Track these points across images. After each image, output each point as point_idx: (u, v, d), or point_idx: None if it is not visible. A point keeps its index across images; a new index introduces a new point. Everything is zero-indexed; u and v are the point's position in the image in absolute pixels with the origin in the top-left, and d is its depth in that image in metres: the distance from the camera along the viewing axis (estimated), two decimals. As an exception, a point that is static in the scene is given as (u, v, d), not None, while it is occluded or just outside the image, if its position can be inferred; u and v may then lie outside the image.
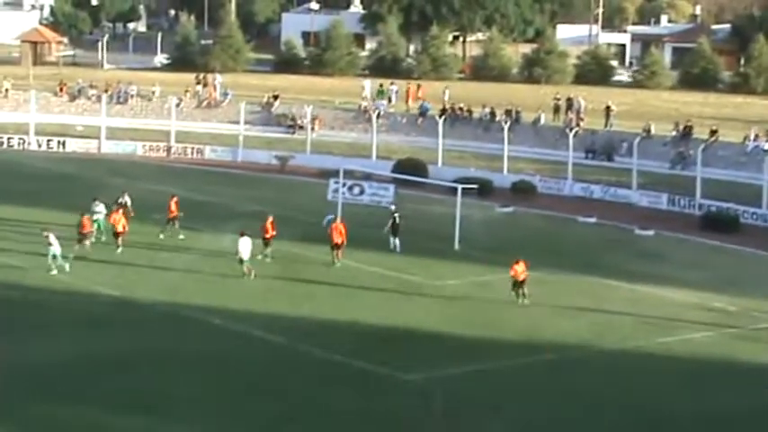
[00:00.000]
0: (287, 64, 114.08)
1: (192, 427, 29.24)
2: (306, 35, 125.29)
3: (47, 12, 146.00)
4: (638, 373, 34.49)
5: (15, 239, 46.73)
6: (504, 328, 38.14)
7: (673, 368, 35.03)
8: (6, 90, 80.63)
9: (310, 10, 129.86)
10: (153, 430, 29.21)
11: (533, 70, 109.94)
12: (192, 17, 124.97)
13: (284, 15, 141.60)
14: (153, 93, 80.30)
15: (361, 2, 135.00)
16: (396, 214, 48.46)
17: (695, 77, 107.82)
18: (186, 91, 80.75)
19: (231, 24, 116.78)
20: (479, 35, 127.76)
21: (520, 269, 40.37)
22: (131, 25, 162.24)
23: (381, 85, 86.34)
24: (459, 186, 50.67)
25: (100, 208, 47.76)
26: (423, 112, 75.75)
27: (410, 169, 62.18)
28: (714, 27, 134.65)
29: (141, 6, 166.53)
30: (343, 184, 52.76)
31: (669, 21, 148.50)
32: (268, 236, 45.39)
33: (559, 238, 52.91)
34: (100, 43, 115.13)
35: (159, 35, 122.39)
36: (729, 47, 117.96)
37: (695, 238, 53.93)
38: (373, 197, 52.92)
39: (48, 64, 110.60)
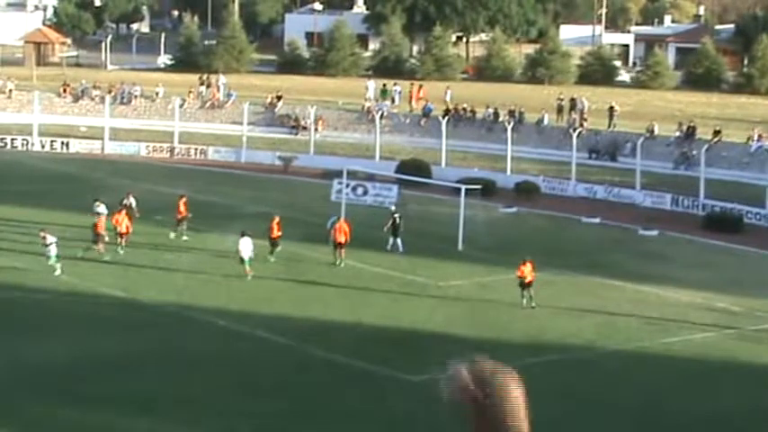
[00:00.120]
0: (290, 64, 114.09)
1: (196, 428, 29.29)
2: (309, 36, 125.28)
3: (50, 12, 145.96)
4: (642, 373, 34.51)
5: (20, 240, 46.75)
6: (508, 329, 38.16)
7: (676, 368, 35.05)
8: (10, 91, 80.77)
9: (313, 10, 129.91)
10: (156, 431, 29.24)
11: (537, 71, 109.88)
12: (196, 18, 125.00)
13: (287, 16, 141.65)
14: (156, 93, 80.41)
15: (365, 2, 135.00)
16: (395, 214, 48.50)
17: (699, 78, 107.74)
18: (190, 92, 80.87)
19: (234, 25, 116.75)
20: (482, 35, 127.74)
21: (527, 270, 40.26)
22: (135, 26, 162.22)
23: (385, 86, 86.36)
24: (463, 187, 50.68)
25: (101, 209, 47.77)
26: (426, 113, 75.82)
27: (413, 170, 62.17)
28: (718, 27, 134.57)
29: (144, 7, 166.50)
30: (347, 185, 52.81)
31: (672, 21, 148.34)
32: (274, 236, 45.42)
33: (563, 239, 52.91)
34: (103, 44, 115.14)
35: (162, 36, 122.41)
36: (733, 47, 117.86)
37: (699, 238, 53.92)
38: (377, 198, 52.99)
39: (51, 65, 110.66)
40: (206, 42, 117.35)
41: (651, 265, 47.65)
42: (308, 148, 71.63)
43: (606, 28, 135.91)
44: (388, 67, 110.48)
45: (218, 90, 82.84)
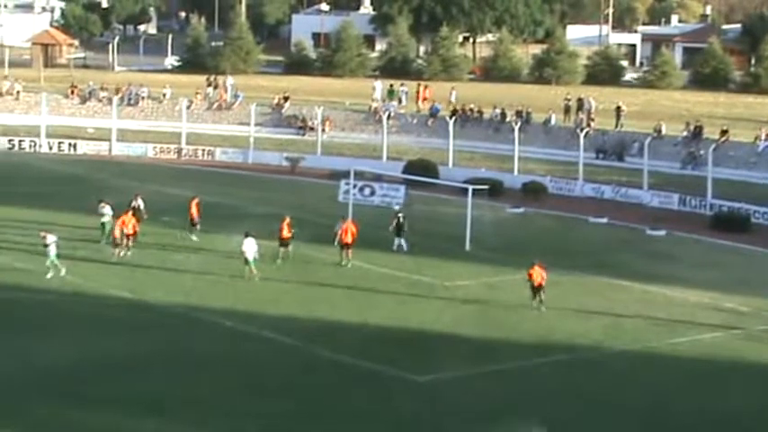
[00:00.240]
0: (297, 65, 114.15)
1: (203, 429, 29.26)
2: (316, 36, 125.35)
3: (57, 14, 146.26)
4: (650, 373, 34.45)
5: (26, 242, 46.73)
6: (515, 329, 38.12)
7: (684, 369, 34.98)
8: (18, 92, 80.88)
9: (320, 11, 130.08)
10: (164, 432, 29.28)
11: (544, 71, 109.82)
12: (203, 19, 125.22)
13: (294, 17, 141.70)
14: (164, 95, 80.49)
15: (372, 3, 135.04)
16: (400, 214, 48.51)
17: (706, 77, 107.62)
18: (197, 93, 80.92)
19: (241, 26, 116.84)
20: (489, 36, 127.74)
21: (536, 273, 40.09)
22: (142, 27, 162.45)
23: (391, 86, 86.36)
24: (470, 187, 50.68)
25: (106, 210, 47.79)
26: (433, 113, 75.82)
27: (421, 170, 62.16)
28: (725, 27, 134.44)
29: (152, 8, 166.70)
30: (354, 186, 52.81)
31: (679, 21, 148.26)
32: (284, 237, 45.36)
33: (570, 239, 52.87)
34: (110, 45, 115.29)
35: (170, 37, 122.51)
36: (740, 47, 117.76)
37: (706, 238, 53.85)
38: (384, 198, 52.98)
39: (59, 66, 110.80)
40: (213, 44, 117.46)
41: (659, 266, 47.60)
42: (315, 148, 71.65)
43: (613, 28, 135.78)
44: (394, 68, 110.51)
45: (226, 91, 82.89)
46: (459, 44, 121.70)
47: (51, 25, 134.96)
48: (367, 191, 53.29)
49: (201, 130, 75.94)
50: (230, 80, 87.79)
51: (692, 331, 38.60)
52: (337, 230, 45.86)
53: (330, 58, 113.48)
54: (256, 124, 74.81)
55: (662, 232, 54.39)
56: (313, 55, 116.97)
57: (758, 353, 36.56)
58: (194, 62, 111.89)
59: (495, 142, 71.40)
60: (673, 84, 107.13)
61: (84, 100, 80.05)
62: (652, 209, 59.53)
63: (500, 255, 47.33)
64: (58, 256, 42.10)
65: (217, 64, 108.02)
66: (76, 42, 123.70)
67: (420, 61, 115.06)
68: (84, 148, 73.67)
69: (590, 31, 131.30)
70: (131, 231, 46.00)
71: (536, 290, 40.04)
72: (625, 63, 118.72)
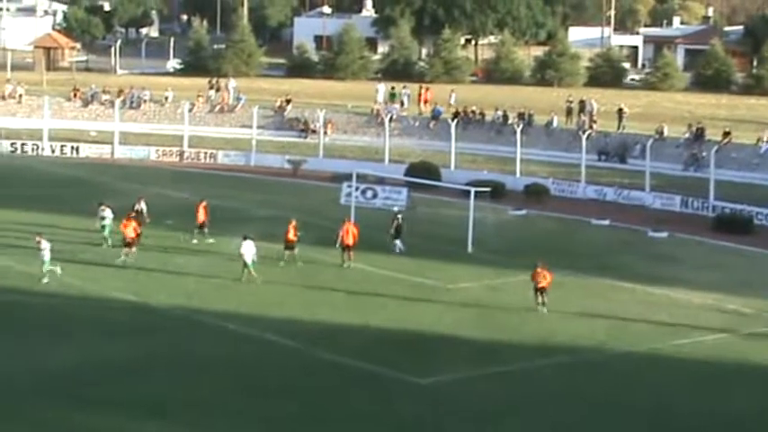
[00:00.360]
0: (299, 68, 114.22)
1: (206, 432, 29.30)
2: (318, 39, 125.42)
3: (60, 17, 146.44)
4: (653, 375, 34.42)
5: (28, 245, 46.65)
6: (517, 331, 38.09)
7: (687, 370, 34.96)
8: (20, 96, 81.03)
9: (322, 14, 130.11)
10: (166, 434, 29.28)
11: (545, 73, 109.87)
12: (205, 22, 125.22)
13: (296, 19, 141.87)
14: (166, 98, 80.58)
15: (374, 5, 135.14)
16: (399, 215, 48.51)
17: (708, 79, 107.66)
18: (199, 96, 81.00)
19: (243, 29, 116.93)
20: (491, 38, 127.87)
21: (540, 276, 40.06)
22: (144, 30, 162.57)
23: (393, 89, 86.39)
24: (472, 189, 50.63)
25: (107, 213, 47.78)
26: (435, 116, 75.85)
27: (423, 173, 62.15)
28: (726, 29, 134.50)
29: (154, 12, 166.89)
30: (356, 188, 52.81)
31: (681, 22, 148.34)
32: (290, 240, 45.31)
33: (573, 241, 52.85)
34: (113, 48, 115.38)
35: (172, 40, 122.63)
36: (742, 48, 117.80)
37: (709, 239, 53.82)
38: (386, 201, 53.00)
39: (61, 69, 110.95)
40: (215, 46, 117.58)
41: (661, 267, 47.58)
42: (317, 151, 71.68)
43: (615, 30, 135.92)
44: (397, 71, 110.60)
45: (228, 94, 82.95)
46: (462, 46, 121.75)
47: (54, 29, 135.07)
48: (369, 193, 53.32)
49: (204, 133, 76.00)
50: (232, 83, 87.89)
51: (695, 333, 38.58)
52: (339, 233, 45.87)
53: (332, 60, 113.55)
54: (258, 127, 74.85)
55: (664, 234, 54.36)
56: (315, 58, 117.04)
57: (762, 354, 36.52)
58: (196, 65, 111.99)
59: (497, 144, 71.45)
60: (675, 85, 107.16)
61: (86, 103, 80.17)
62: (654, 211, 59.49)
63: (502, 257, 47.32)
64: (52, 260, 42.07)
65: (219, 67, 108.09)
66: (79, 46, 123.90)
67: (422, 64, 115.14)
68: (87, 151, 73.69)
69: (592, 33, 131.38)
70: (134, 234, 46.01)
71: (539, 292, 40.01)
72: (627, 65, 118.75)
